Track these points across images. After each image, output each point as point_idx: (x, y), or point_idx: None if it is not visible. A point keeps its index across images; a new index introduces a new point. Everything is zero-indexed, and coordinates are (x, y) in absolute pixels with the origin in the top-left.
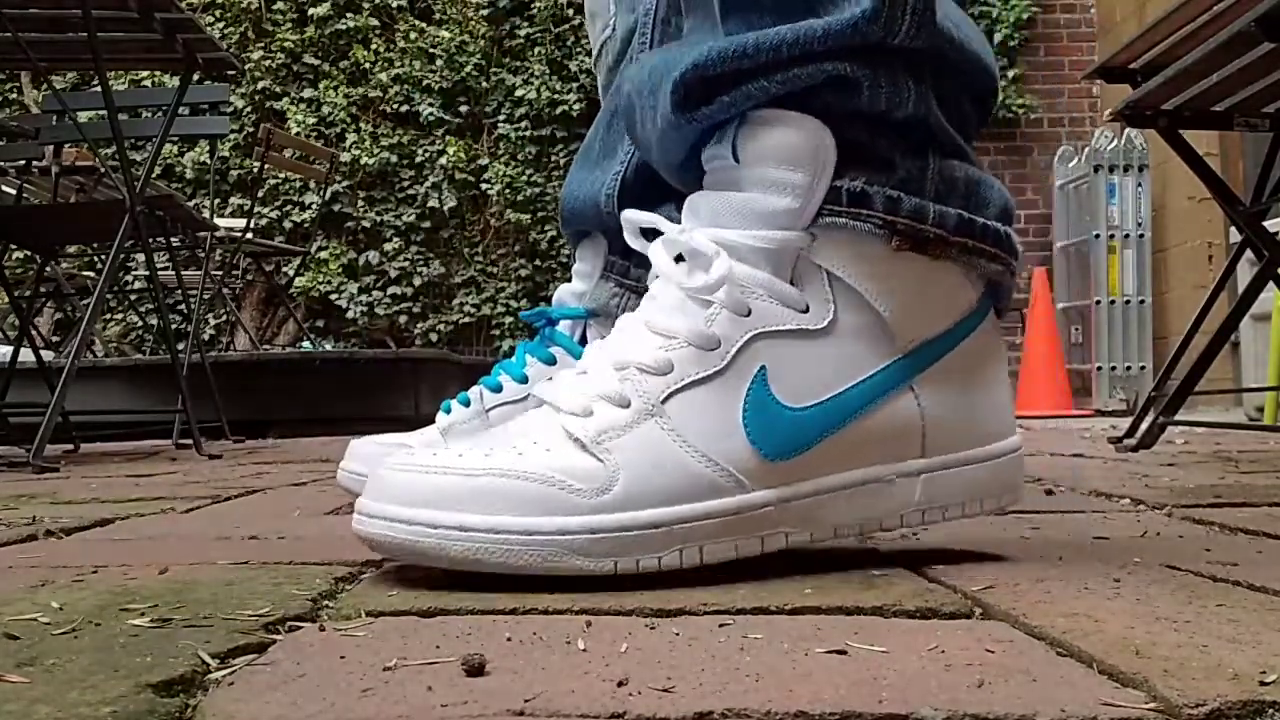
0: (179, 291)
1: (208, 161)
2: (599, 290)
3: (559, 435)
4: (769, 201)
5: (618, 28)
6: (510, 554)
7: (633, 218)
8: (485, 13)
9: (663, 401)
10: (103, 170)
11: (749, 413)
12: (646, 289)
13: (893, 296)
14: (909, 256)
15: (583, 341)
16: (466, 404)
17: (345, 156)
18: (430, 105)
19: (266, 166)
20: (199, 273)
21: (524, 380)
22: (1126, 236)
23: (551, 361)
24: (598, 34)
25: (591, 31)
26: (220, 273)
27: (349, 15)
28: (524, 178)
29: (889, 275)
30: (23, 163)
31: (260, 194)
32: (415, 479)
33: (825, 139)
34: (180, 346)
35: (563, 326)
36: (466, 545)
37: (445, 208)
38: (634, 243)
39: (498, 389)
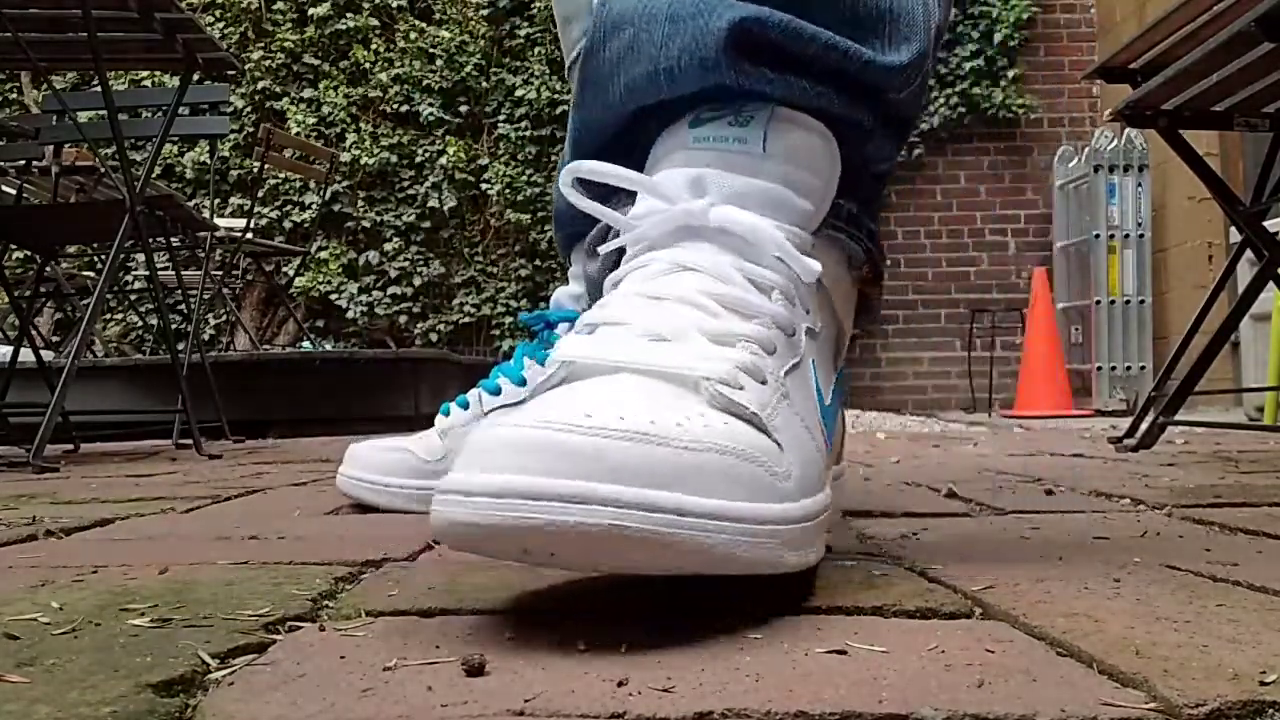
0: (179, 291)
1: (208, 161)
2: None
3: (711, 406)
4: (796, 200)
5: None
6: (755, 547)
7: (598, 170)
8: (485, 13)
9: (784, 379)
10: (103, 170)
11: (819, 405)
12: None
13: (846, 316)
14: (850, 283)
15: None
16: (465, 406)
17: (345, 156)
18: (430, 105)
19: (266, 166)
20: (199, 273)
21: (522, 383)
22: (1126, 236)
23: None
24: (574, 39)
25: (565, 36)
26: (220, 273)
27: (349, 15)
28: (524, 178)
29: (847, 296)
30: (23, 163)
31: (260, 194)
32: (627, 449)
33: (837, 153)
34: (180, 346)
35: (561, 329)
36: (721, 539)
37: (445, 208)
38: (579, 201)
39: (496, 391)
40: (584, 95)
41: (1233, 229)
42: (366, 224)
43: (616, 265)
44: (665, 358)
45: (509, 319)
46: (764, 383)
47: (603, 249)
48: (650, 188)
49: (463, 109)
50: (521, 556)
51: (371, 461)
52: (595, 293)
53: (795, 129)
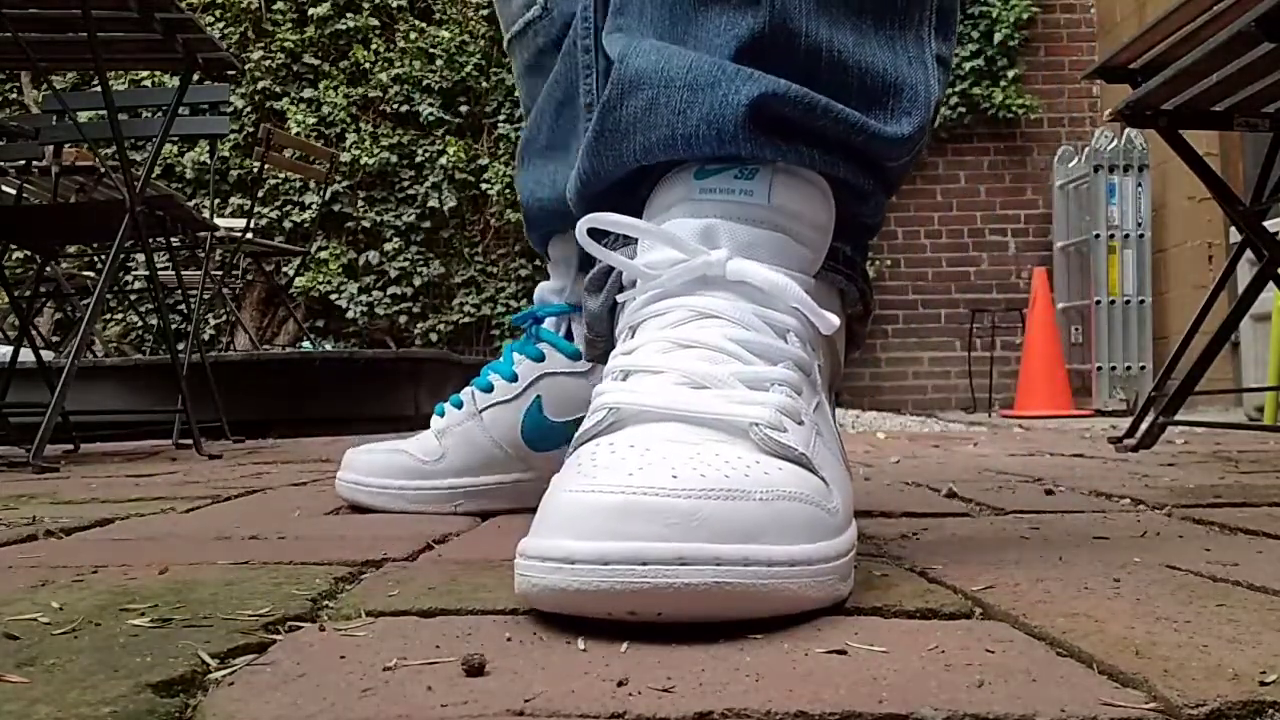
0: (179, 291)
1: (208, 161)
2: (580, 285)
3: (762, 450)
4: (799, 248)
5: (553, 9)
6: (821, 586)
7: (613, 220)
8: (485, 13)
9: (814, 417)
10: (103, 170)
11: None
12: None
13: (841, 350)
14: (843, 319)
15: (568, 337)
16: (460, 406)
17: (345, 156)
18: (430, 105)
19: (266, 166)
20: (199, 273)
21: (514, 379)
22: (1126, 236)
23: (540, 358)
24: (514, 12)
25: (504, 9)
26: (220, 273)
27: (349, 15)
28: None
29: (840, 332)
30: (23, 163)
31: (260, 194)
32: (717, 507)
33: (833, 204)
34: (180, 346)
35: (549, 323)
36: (800, 582)
37: (445, 208)
38: (592, 249)
39: (489, 389)
40: (598, 145)
41: (1233, 229)
42: (366, 224)
43: (615, 304)
44: (711, 404)
45: (509, 319)
46: (801, 423)
47: (621, 297)
48: (666, 239)
49: (463, 109)
50: (626, 616)
51: (368, 464)
52: (598, 327)
53: (797, 182)
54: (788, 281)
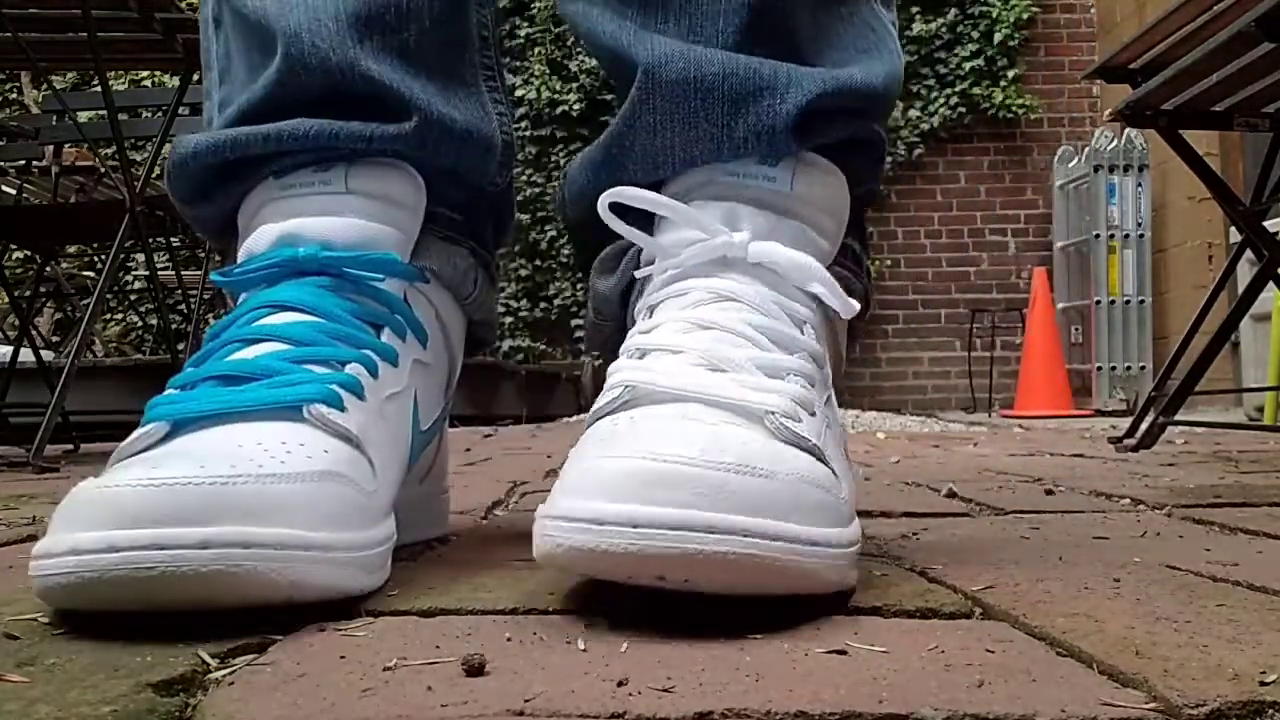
0: (179, 291)
1: None
2: (447, 253)
3: (775, 438)
4: (817, 238)
5: None
6: (837, 569)
7: (639, 196)
8: None
9: (825, 410)
10: (103, 170)
11: None
12: (495, 267)
13: (844, 346)
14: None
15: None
16: (358, 391)
17: None
18: None
19: None
20: (199, 273)
21: (395, 362)
22: (1126, 236)
23: (403, 334)
24: None
25: None
26: None
27: None
28: (524, 178)
29: (843, 329)
30: (23, 163)
31: None
32: (745, 482)
33: (848, 195)
34: (180, 346)
35: (390, 286)
36: (821, 563)
37: None
38: (614, 224)
39: (372, 369)
40: (625, 160)
41: (1233, 229)
42: None
43: (630, 284)
44: (728, 389)
45: (509, 319)
46: (813, 415)
47: (639, 273)
48: (688, 218)
49: None
50: (654, 582)
51: (310, 505)
52: (607, 309)
53: (818, 172)
54: (810, 261)
